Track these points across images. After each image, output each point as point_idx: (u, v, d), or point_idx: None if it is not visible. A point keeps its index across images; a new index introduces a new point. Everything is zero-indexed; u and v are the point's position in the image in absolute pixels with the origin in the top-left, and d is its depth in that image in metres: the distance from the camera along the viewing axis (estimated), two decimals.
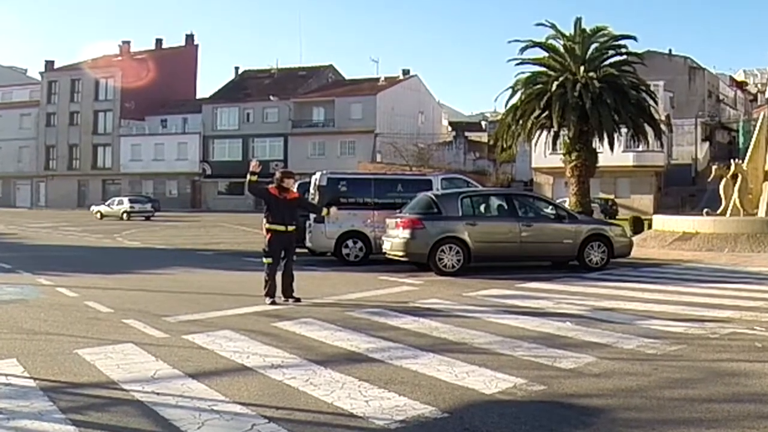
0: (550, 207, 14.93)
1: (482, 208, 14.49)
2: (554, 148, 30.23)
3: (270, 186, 9.89)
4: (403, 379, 5.48)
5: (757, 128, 21.59)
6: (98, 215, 44.36)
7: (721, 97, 73.30)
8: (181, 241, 24.28)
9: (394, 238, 13.59)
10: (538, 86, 28.45)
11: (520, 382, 5.38)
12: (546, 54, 29.48)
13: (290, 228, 9.69)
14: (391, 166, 49.12)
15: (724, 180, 20.76)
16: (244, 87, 66.48)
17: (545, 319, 8.15)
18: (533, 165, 48.06)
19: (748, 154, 21.30)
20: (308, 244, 15.98)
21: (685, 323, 7.90)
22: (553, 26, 29.16)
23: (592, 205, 31.02)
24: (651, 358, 6.27)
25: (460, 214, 13.51)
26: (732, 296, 10.03)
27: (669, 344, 6.80)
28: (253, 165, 9.74)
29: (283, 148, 61.32)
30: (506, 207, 14.18)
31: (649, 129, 28.71)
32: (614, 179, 45.69)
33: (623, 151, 38.48)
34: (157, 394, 5.03)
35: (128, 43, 72.89)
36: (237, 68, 71.65)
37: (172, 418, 4.50)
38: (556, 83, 27.21)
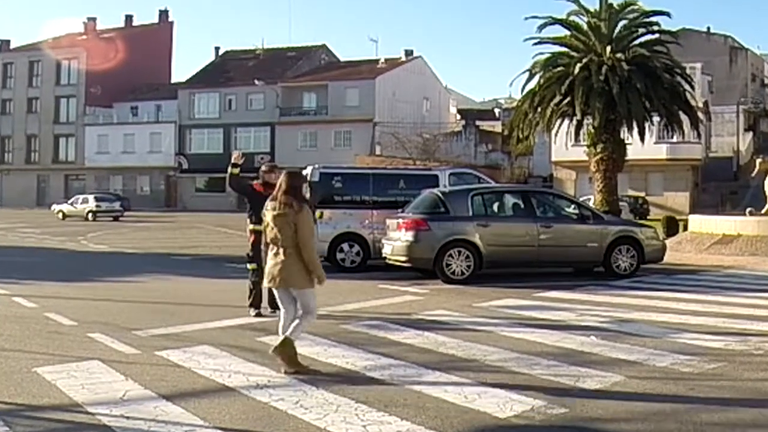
0: (573, 206, 14.93)
1: (495, 207, 14.49)
2: (577, 139, 30.23)
3: (254, 182, 9.89)
4: (406, 402, 5.48)
5: None
6: (60, 215, 44.38)
7: (766, 81, 73.33)
8: (153, 244, 24.27)
9: (396, 241, 13.59)
10: (559, 69, 28.45)
11: (539, 404, 5.38)
12: (568, 32, 29.49)
13: None
14: (392, 159, 49.14)
15: None
16: (225, 70, 66.53)
17: (567, 333, 8.15)
18: (553, 158, 48.07)
19: None
20: None
21: (725, 337, 7.90)
22: (575, 0, 29.17)
23: (620, 203, 31.03)
24: (687, 377, 6.27)
25: (471, 214, 13.51)
26: None
27: (707, 361, 6.80)
28: (235, 156, 9.75)
29: (269, 138, 61.35)
30: (523, 206, 14.18)
31: (684, 117, 28.72)
32: (645, 174, 45.70)
33: (655, 143, 38.48)
34: (127, 418, 5.03)
35: (94, 20, 73.03)
36: (217, 48, 71.79)
37: None
38: (579, 65, 27.21)
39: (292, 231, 6.30)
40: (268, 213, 6.49)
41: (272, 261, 6.45)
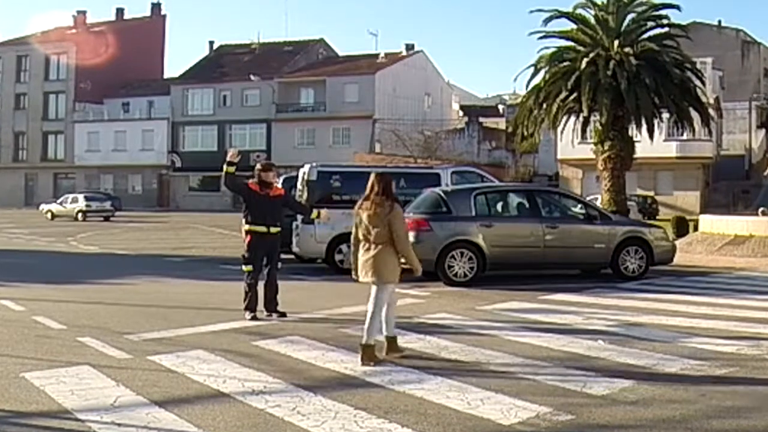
0: (579, 205, 14.94)
1: (499, 206, 14.49)
2: (584, 137, 30.21)
3: (250, 181, 9.89)
4: (407, 408, 5.49)
5: None
6: (49, 215, 44.38)
7: None
8: (146, 245, 24.28)
9: None
10: (565, 64, 28.44)
11: (544, 411, 5.38)
12: (574, 26, 29.48)
13: (273, 230, 9.70)
14: (393, 157, 49.15)
15: None
16: (219, 65, 66.56)
17: (573, 337, 8.16)
18: (559, 156, 48.08)
19: None
20: (295, 249, 15.98)
21: (737, 342, 7.91)
22: None
23: (629, 203, 31.02)
24: (697, 382, 6.27)
25: (474, 213, 13.52)
26: None
27: (719, 366, 6.81)
28: (231, 154, 9.74)
29: (265, 136, 61.38)
30: (528, 205, 14.18)
31: (695, 114, 28.70)
32: (654, 173, 45.71)
33: (665, 140, 38.48)
34: (118, 425, 5.03)
35: (84, 13, 73.07)
36: (212, 43, 71.86)
37: None
38: (585, 60, 27.20)
39: (386, 228, 7.09)
40: (363, 212, 7.22)
41: (364, 256, 7.19)
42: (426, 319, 9.48)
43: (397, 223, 7.13)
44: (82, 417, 5.21)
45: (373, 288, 7.19)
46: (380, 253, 7.10)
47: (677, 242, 18.18)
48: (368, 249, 7.17)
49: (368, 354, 6.90)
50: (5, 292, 11.99)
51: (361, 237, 7.27)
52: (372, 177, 7.35)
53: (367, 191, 7.27)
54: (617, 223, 14.81)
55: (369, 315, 7.10)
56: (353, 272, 7.44)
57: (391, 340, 7.28)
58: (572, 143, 30.88)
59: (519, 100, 36.56)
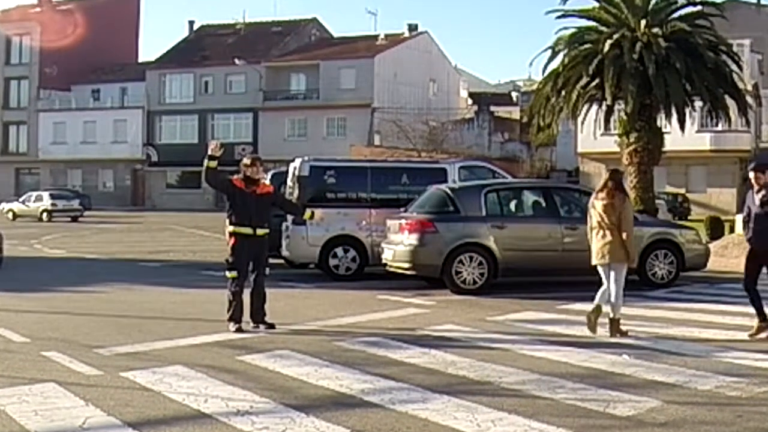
0: None
1: (513, 205, 14.49)
2: (607, 128, 30.18)
3: (234, 177, 9.90)
4: (409, 430, 5.49)
5: None
6: (10, 215, 44.42)
7: None
8: (118, 249, 24.28)
9: (398, 245, 13.60)
10: (586, 46, 28.42)
11: None
12: (596, 4, 29.46)
13: (260, 232, 9.70)
14: (394, 150, 49.11)
15: None
16: (200, 47, 66.58)
17: (595, 352, 8.17)
18: (579, 149, 48.10)
19: None
20: (285, 253, 15.99)
21: None
22: None
23: (657, 201, 31.00)
24: (734, 402, 6.28)
25: (484, 213, 13.52)
26: None
27: (757, 384, 6.81)
28: (213, 147, 9.74)
29: (251, 126, 61.43)
30: (544, 204, 14.18)
31: (731, 102, 28.67)
32: (685, 168, 45.72)
33: (697, 132, 38.46)
34: None
35: None
36: (191, 23, 71.81)
37: None
38: (609, 42, 27.17)
39: (616, 217, 9.07)
40: (598, 202, 9.26)
41: (600, 242, 9.21)
42: (431, 331, 9.47)
43: (625, 212, 9.12)
44: None
45: (611, 271, 9.16)
46: (613, 239, 9.04)
47: (711, 245, 18.17)
48: (603, 236, 9.15)
49: (616, 327, 9.00)
50: None
51: (595, 224, 9.24)
52: (605, 174, 9.58)
53: (601, 184, 9.37)
54: (644, 224, 14.79)
55: (614, 293, 9.10)
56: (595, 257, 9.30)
57: (597, 311, 9.23)
58: (594, 135, 30.86)
59: (534, 86, 36.60)
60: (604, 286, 9.29)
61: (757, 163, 9.55)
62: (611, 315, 9.07)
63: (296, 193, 15.44)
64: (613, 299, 9.10)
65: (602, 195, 9.27)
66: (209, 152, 9.68)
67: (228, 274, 9.69)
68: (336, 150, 46.93)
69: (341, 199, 15.70)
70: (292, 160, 16.53)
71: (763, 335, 9.04)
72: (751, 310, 9.47)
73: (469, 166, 17.35)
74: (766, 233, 9.09)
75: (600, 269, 9.38)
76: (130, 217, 47.30)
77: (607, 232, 9.11)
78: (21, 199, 46.51)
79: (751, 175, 9.32)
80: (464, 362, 7.67)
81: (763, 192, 9.09)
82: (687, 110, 28.41)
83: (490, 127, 58.67)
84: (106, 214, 48.59)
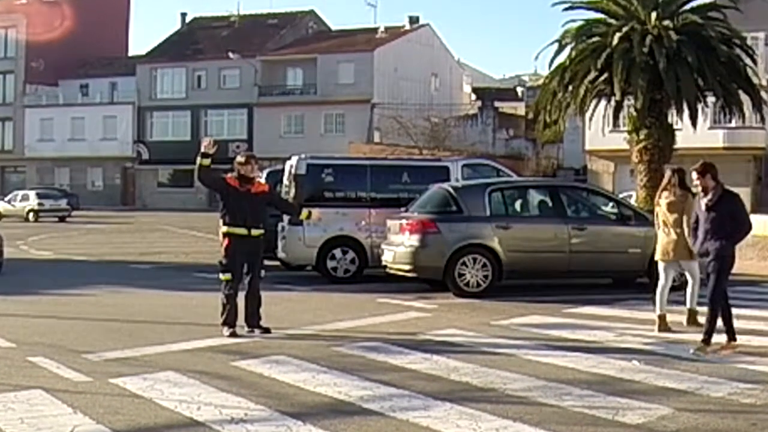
0: (611, 204, 14.94)
1: (518, 205, 14.50)
2: (616, 124, 30.18)
3: (228, 175, 9.89)
4: None
5: None
6: None
7: None
8: (108, 250, 24.28)
9: (398, 246, 13.60)
10: (595, 39, 28.40)
11: None
12: None
13: (255, 232, 9.70)
14: (394, 148, 49.18)
15: None
16: (193, 41, 66.60)
17: (604, 357, 8.17)
18: (587, 147, 48.08)
19: None
20: (281, 254, 15.99)
21: None
22: None
23: None
24: (748, 409, 6.28)
25: (488, 213, 13.52)
26: None
27: None
28: (206, 144, 9.74)
29: (246, 123, 61.43)
30: (551, 204, 14.19)
31: (745, 98, 28.64)
32: None
33: (710, 128, 38.50)
34: None
35: None
36: (184, 15, 71.95)
37: None
38: (618, 35, 27.15)
39: (681, 215, 9.52)
40: (663, 200, 9.81)
41: (666, 239, 9.77)
42: (433, 336, 9.47)
43: (688, 210, 9.38)
44: None
45: (686, 270, 9.91)
46: (678, 237, 9.55)
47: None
48: (668, 233, 9.71)
49: (693, 319, 9.81)
50: None
51: (661, 223, 9.82)
52: (668, 171, 10.12)
53: (665, 183, 9.87)
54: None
55: (691, 287, 9.91)
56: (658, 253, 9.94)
57: (693, 313, 9.87)
58: (602, 132, 30.81)
59: (540, 81, 36.54)
60: (662, 283, 9.88)
61: (699, 165, 8.84)
62: (688, 306, 9.92)
63: (293, 192, 15.44)
64: (688, 293, 9.92)
65: (666, 193, 9.80)
66: (202, 150, 9.68)
67: (222, 276, 9.69)
68: (334, 147, 46.93)
69: (339, 198, 15.69)
70: (289, 158, 16.53)
71: (726, 352, 8.48)
72: (767, 313, 9.48)
73: (472, 164, 17.34)
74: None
75: (660, 265, 9.94)
76: (119, 217, 47.28)
77: (671, 230, 9.63)
78: (6, 199, 46.47)
79: (694, 176, 8.79)
80: (467, 368, 7.68)
81: (709, 196, 8.58)
82: (699, 106, 28.38)
83: (494, 124, 58.64)
84: (94, 214, 48.58)
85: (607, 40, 27.45)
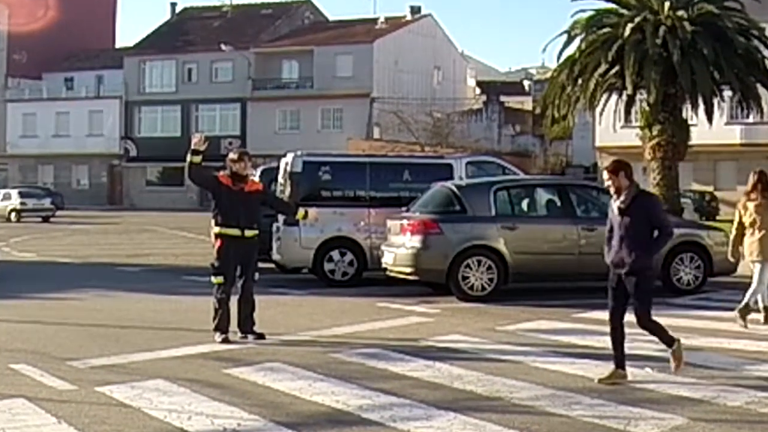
0: None
1: (525, 204, 14.50)
2: (627, 120, 30.20)
3: (220, 173, 9.89)
4: None
5: None
6: None
7: None
8: (94, 252, 24.28)
9: (399, 247, 13.60)
10: (605, 30, 28.43)
11: None
12: None
13: (249, 233, 9.70)
14: (395, 144, 49.17)
15: None
16: (183, 32, 66.64)
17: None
18: (597, 143, 48.08)
19: None
20: (276, 256, 15.99)
21: None
22: None
23: (682, 200, 31.04)
24: (766, 419, 6.28)
25: (494, 213, 13.52)
26: None
27: None
28: (196, 140, 9.74)
29: (239, 118, 61.43)
30: (559, 203, 14.19)
31: (763, 92, 28.68)
32: (713, 164, 45.70)
33: (726, 124, 38.45)
34: None
35: None
36: (173, 5, 71.92)
37: None
38: (630, 26, 27.18)
39: (765, 217, 10.32)
40: (750, 203, 10.55)
41: (750, 239, 10.52)
42: (435, 342, 9.47)
43: None
44: None
45: (757, 266, 10.45)
46: (764, 236, 10.28)
47: (741, 248, 18.14)
48: (753, 233, 10.43)
49: (743, 313, 10.35)
50: None
51: (747, 224, 10.51)
52: (752, 175, 10.69)
53: (751, 185, 10.54)
54: None
55: (753, 287, 10.48)
56: (730, 254, 11.11)
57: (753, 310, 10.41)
58: (613, 127, 30.85)
59: (549, 74, 36.57)
60: (755, 284, 10.51)
61: (610, 162, 7.90)
62: (742, 304, 10.42)
63: (288, 191, 15.44)
64: (749, 292, 10.50)
65: (753, 195, 10.51)
66: (192, 146, 9.68)
67: (213, 279, 9.69)
68: (332, 144, 46.95)
69: (337, 197, 15.68)
70: (284, 155, 16.54)
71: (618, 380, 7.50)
72: None
73: (477, 161, 17.35)
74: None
75: (752, 266, 10.65)
76: (106, 217, 47.28)
77: (758, 232, 10.37)
78: None
79: (605, 176, 7.69)
80: (472, 376, 7.67)
81: (622, 197, 7.52)
82: (715, 100, 28.41)
83: (500, 119, 58.65)
84: (80, 213, 48.55)
85: (619, 32, 27.48)
